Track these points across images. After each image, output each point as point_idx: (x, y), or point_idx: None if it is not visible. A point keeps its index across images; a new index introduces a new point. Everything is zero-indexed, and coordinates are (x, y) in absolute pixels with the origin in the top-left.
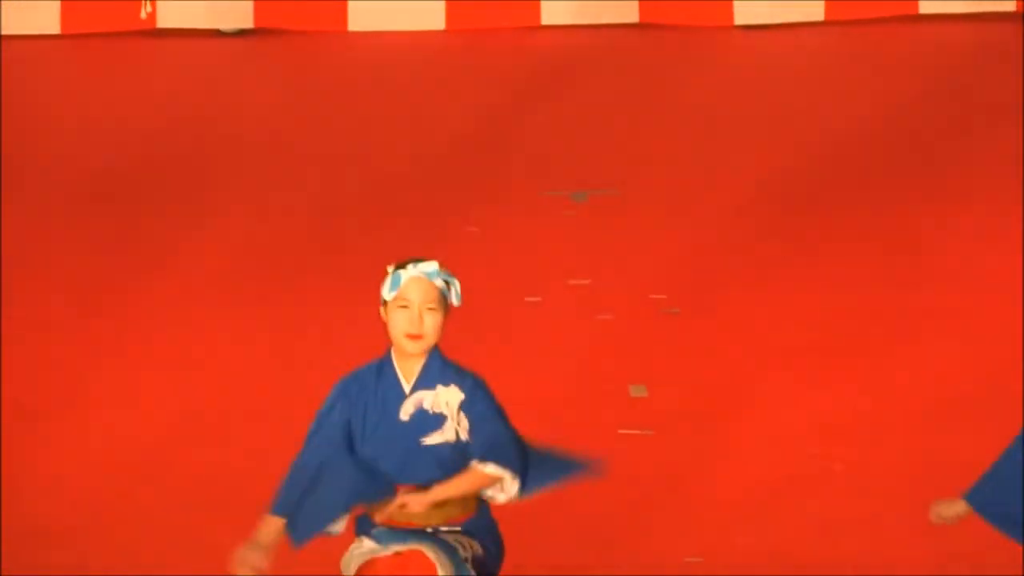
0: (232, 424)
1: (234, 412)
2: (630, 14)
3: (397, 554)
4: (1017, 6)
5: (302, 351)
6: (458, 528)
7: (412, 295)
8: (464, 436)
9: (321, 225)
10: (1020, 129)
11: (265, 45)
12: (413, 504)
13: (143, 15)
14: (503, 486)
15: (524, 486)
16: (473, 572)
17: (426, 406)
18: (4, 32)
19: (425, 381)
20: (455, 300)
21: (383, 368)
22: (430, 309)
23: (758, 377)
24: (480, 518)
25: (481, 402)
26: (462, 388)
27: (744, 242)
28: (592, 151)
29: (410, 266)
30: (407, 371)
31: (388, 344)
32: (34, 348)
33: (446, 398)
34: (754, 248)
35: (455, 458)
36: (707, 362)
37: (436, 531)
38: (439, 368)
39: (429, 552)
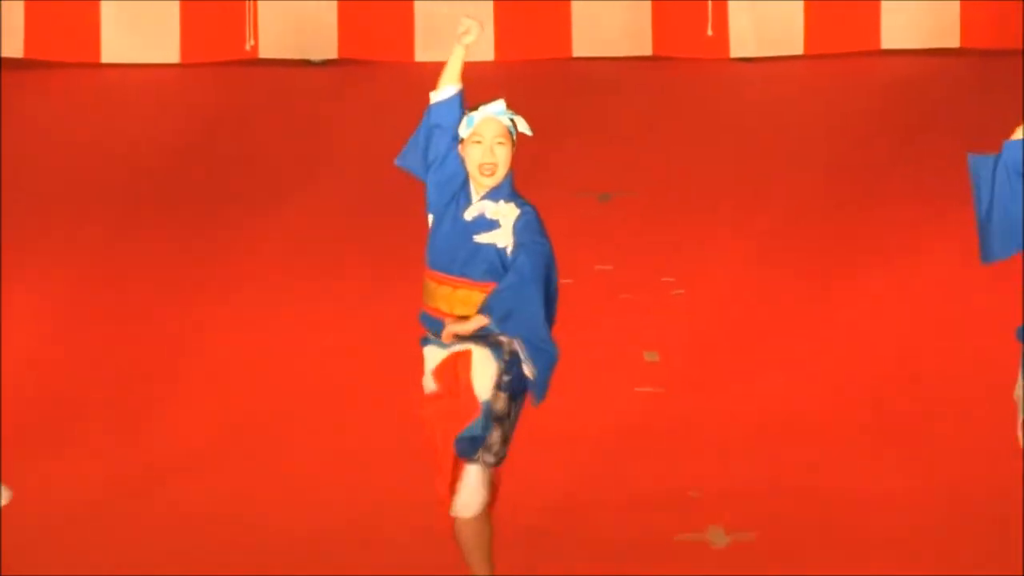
0: (302, 406)
1: (306, 393)
2: (645, 48)
3: (453, 353)
4: (960, 43)
5: (362, 334)
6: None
7: (484, 132)
8: (509, 249)
9: (383, 224)
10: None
11: (346, 72)
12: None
13: (247, 47)
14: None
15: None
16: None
17: (487, 213)
18: (133, 60)
19: (491, 195)
20: (525, 130)
21: (463, 188)
22: (499, 143)
23: (752, 343)
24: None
25: (528, 230)
26: (520, 209)
27: (739, 233)
28: (615, 161)
29: (481, 107)
30: (479, 189)
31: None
32: (126, 331)
33: (504, 211)
34: (746, 238)
35: (498, 263)
36: (708, 332)
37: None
38: (506, 190)
39: (476, 348)
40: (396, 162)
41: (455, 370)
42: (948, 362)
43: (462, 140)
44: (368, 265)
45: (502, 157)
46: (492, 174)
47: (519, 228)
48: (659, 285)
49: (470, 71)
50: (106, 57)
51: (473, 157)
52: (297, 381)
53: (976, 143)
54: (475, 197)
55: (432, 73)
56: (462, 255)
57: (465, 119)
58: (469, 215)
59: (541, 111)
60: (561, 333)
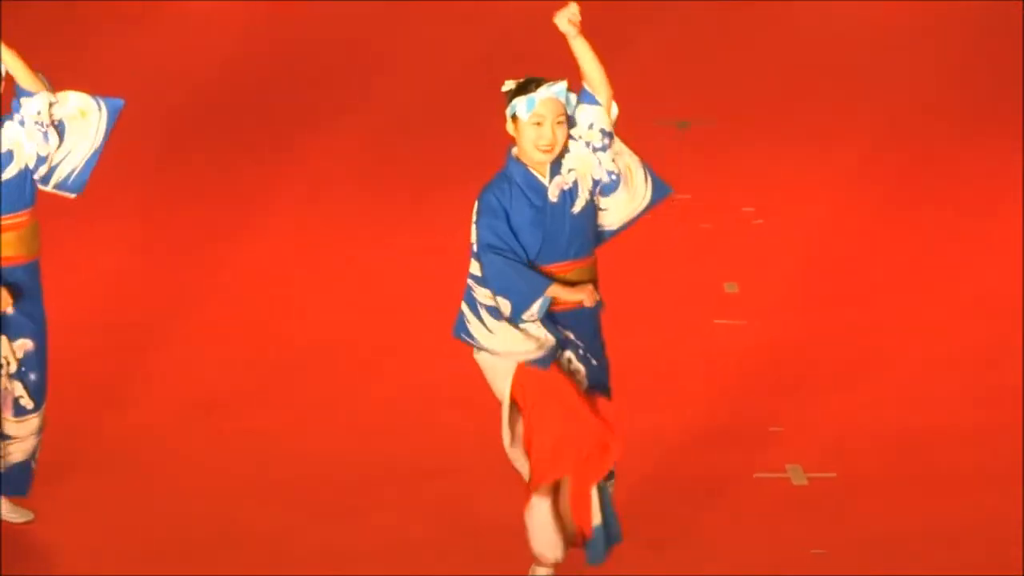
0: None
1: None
2: None
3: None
4: None
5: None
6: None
7: (545, 112)
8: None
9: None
10: None
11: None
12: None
13: None
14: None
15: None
16: None
17: (564, 187)
18: None
19: (554, 170)
20: (571, 111)
21: (513, 176)
22: (559, 123)
23: (833, 275)
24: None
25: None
26: (575, 146)
27: (821, 163)
28: (694, 89)
29: (543, 88)
30: (540, 170)
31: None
32: (177, 260)
33: (569, 165)
34: (828, 168)
35: (593, 216)
36: (788, 263)
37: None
38: (556, 162)
39: None
40: None
41: None
42: None
43: (515, 119)
44: (417, 188)
45: (561, 136)
46: (550, 151)
47: (591, 142)
48: (739, 215)
49: None
50: None
51: (529, 137)
52: (350, 310)
53: None
54: (540, 177)
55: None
56: (568, 233)
57: (526, 100)
58: (553, 195)
59: (620, 38)
60: (640, 263)
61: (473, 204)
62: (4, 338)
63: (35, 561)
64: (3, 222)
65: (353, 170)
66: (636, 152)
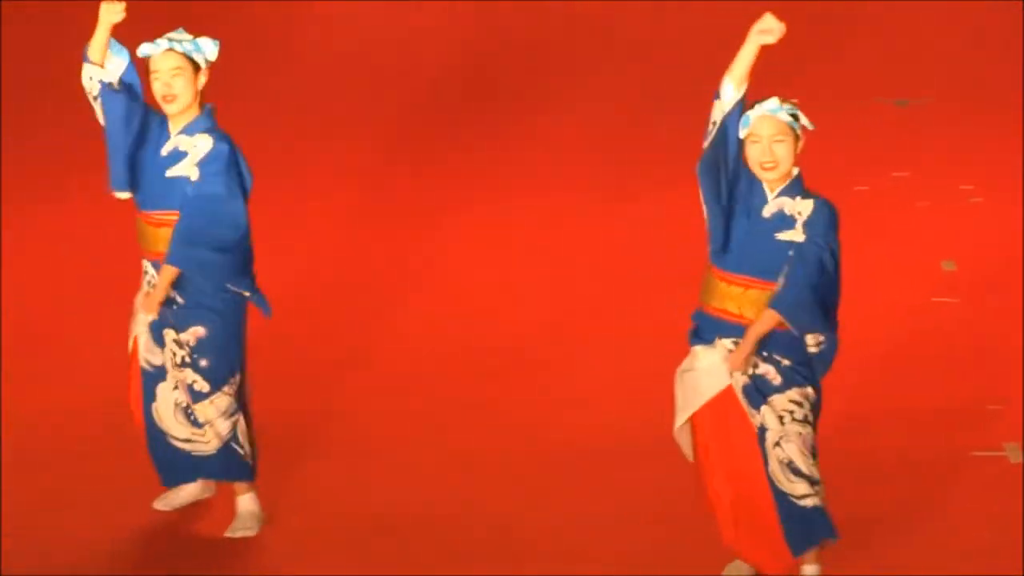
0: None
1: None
2: None
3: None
4: None
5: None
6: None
7: (761, 131)
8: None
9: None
10: None
11: None
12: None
13: None
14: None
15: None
16: None
17: (785, 211)
18: None
19: (786, 191)
20: (805, 123)
21: (753, 181)
22: (778, 141)
23: None
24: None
25: (818, 225)
26: (815, 205)
27: None
28: (913, 66)
29: (757, 106)
30: (772, 187)
31: None
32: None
33: (799, 208)
34: None
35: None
36: (1006, 241)
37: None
38: (796, 186)
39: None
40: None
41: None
42: None
43: (743, 140)
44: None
45: (781, 154)
46: (773, 168)
47: (808, 223)
48: (957, 192)
49: None
50: None
51: (753, 156)
52: (572, 290)
53: None
54: (770, 195)
55: None
56: (762, 254)
57: (742, 118)
58: (768, 212)
59: (838, 15)
60: (856, 241)
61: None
62: (169, 331)
63: (286, 544)
64: (164, 217)
65: (585, 150)
66: None
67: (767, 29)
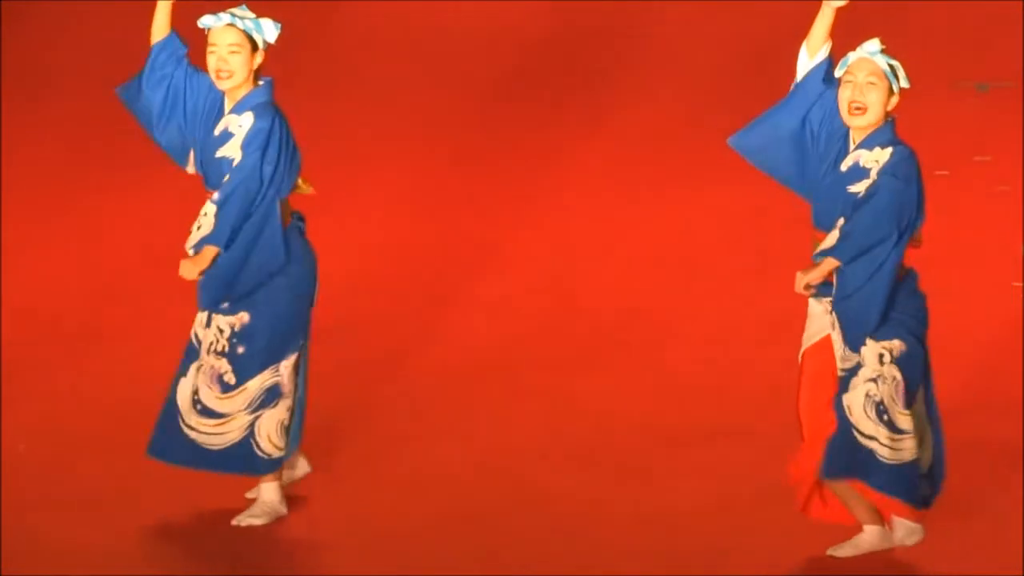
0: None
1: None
2: None
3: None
4: None
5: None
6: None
7: (857, 71)
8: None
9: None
10: None
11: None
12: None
13: None
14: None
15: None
16: None
17: (860, 162)
18: None
19: (867, 142)
20: (903, 82)
21: (845, 140)
22: (871, 84)
23: None
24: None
25: (890, 171)
26: (893, 153)
27: None
28: (994, 50)
29: (859, 47)
30: (857, 135)
31: None
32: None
33: (876, 157)
34: None
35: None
36: None
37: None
38: (885, 135)
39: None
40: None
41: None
42: None
43: (839, 80)
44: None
45: (873, 99)
46: (861, 114)
47: (883, 169)
48: None
49: None
50: None
51: (844, 97)
52: (645, 278)
53: None
54: (851, 146)
55: None
56: (840, 208)
57: (842, 60)
58: (845, 165)
59: (916, 2)
60: (937, 226)
61: None
62: (218, 316)
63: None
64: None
65: (652, 136)
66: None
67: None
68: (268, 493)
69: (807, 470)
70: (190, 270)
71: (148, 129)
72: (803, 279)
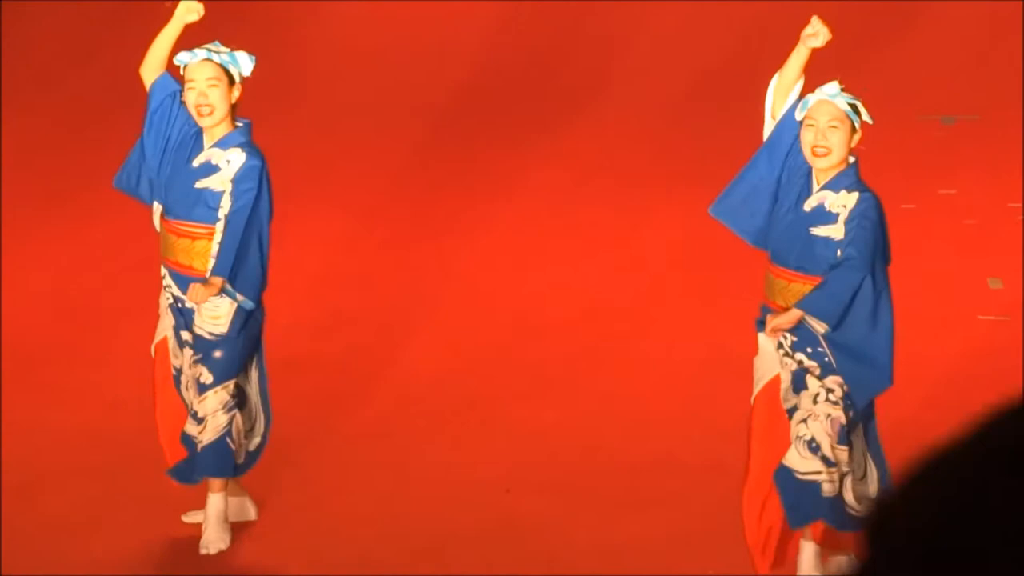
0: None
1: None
2: None
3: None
4: None
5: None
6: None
7: (818, 115)
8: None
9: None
10: None
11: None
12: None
13: None
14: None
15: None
16: None
17: (825, 204)
18: None
19: (832, 184)
20: (865, 118)
21: (807, 178)
22: (832, 127)
23: None
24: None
25: (859, 220)
26: (859, 200)
27: None
28: (959, 83)
29: (817, 90)
30: (821, 177)
31: None
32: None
33: (843, 202)
34: None
35: (833, 257)
36: None
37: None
38: (849, 179)
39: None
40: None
41: (776, 407)
42: None
43: (800, 123)
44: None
45: (835, 141)
46: (825, 155)
47: (852, 218)
48: (1004, 211)
49: None
50: None
51: (806, 140)
52: (617, 299)
53: None
54: (815, 187)
55: None
56: (799, 247)
57: (801, 102)
58: (808, 205)
59: (884, 34)
60: (903, 259)
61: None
62: (185, 332)
63: (296, 557)
64: (186, 228)
65: (609, 159)
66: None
67: (813, 33)
68: (219, 503)
69: (766, 524)
70: (202, 295)
71: (151, 199)
72: (775, 324)
